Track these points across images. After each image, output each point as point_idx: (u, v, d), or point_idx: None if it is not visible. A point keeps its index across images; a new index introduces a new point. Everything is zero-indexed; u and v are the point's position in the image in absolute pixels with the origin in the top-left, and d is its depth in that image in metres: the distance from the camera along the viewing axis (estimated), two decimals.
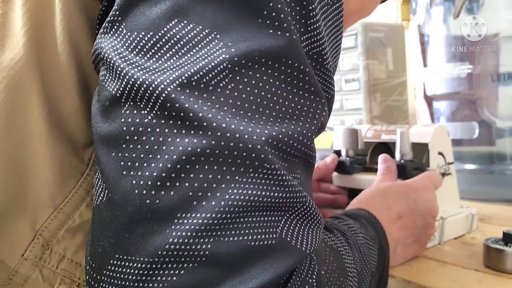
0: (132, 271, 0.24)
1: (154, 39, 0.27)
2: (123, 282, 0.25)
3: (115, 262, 0.25)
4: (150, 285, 0.24)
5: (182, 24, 0.26)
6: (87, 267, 0.28)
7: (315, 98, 0.29)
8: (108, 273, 0.25)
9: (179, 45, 0.26)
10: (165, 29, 0.26)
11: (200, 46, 0.26)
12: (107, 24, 0.29)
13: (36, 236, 0.31)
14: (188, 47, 0.26)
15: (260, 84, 0.26)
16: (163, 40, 0.26)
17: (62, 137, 0.32)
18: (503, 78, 0.75)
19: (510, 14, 0.74)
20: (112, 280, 0.25)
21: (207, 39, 0.26)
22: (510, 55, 0.74)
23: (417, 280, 0.43)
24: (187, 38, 0.26)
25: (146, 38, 0.27)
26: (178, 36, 0.26)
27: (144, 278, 0.24)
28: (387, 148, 0.61)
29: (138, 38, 0.27)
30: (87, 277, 0.27)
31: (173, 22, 0.26)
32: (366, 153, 0.64)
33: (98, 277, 0.26)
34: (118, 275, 0.25)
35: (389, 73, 1.02)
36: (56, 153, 0.31)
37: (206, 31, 0.26)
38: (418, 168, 0.56)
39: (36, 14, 0.31)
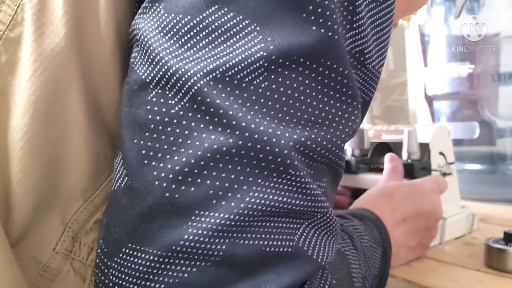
0: (144, 262, 0.24)
1: (191, 24, 0.25)
2: (133, 272, 0.25)
3: (127, 251, 0.25)
4: (161, 278, 0.24)
5: (222, 11, 0.25)
6: (98, 251, 0.27)
7: (352, 102, 0.28)
8: (119, 261, 0.25)
9: (216, 33, 0.25)
10: (204, 14, 0.25)
11: (237, 37, 0.25)
12: (146, 4, 0.28)
13: (66, 229, 0.30)
14: (225, 36, 0.25)
15: (295, 85, 0.25)
16: (200, 26, 0.25)
17: (100, 129, 0.31)
18: (504, 78, 0.75)
19: (511, 14, 0.74)
20: (122, 269, 0.25)
21: (246, 31, 0.25)
22: (511, 55, 0.74)
23: (417, 280, 0.43)
24: (225, 27, 0.25)
25: (182, 22, 0.26)
26: (216, 24, 0.25)
27: (155, 271, 0.24)
28: (388, 148, 0.61)
29: (174, 21, 0.26)
30: (97, 261, 0.27)
31: (212, 8, 0.25)
32: (367, 153, 0.64)
33: (109, 263, 0.26)
34: (129, 264, 0.25)
35: (390, 72, 1.02)
36: (94, 146, 0.30)
37: (246, 21, 0.25)
38: (425, 168, 0.56)
39: (78, 2, 0.29)
